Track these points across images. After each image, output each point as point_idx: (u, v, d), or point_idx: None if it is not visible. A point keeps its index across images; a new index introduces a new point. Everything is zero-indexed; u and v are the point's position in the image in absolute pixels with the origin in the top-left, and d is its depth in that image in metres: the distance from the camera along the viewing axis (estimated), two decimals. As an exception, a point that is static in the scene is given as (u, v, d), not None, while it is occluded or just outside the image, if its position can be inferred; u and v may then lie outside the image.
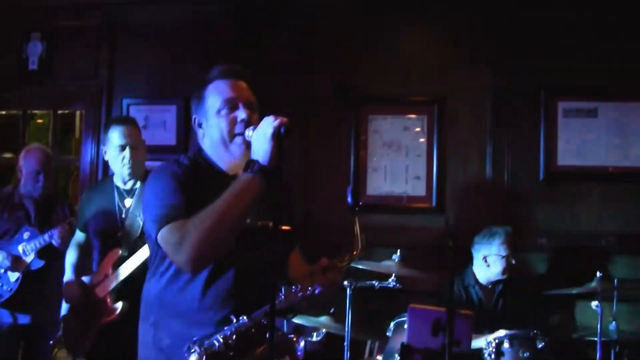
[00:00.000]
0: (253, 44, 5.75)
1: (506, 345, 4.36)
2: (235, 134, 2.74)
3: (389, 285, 4.51)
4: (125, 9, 6.02)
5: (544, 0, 5.54)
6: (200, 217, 2.51)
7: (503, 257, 4.90)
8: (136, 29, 6.00)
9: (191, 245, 2.51)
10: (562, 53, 5.48)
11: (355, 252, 2.79)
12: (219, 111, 2.76)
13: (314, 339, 4.78)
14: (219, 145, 2.77)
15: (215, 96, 2.78)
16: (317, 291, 2.69)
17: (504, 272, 4.92)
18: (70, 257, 4.51)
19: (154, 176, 2.79)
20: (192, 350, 2.58)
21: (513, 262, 4.91)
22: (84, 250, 4.51)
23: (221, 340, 2.58)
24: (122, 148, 4.28)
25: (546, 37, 5.52)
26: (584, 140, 5.46)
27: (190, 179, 2.70)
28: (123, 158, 4.27)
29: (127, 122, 4.44)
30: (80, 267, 4.47)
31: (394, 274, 4.48)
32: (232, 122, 2.74)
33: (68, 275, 4.46)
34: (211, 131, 2.79)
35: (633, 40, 5.41)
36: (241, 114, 2.74)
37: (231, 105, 2.76)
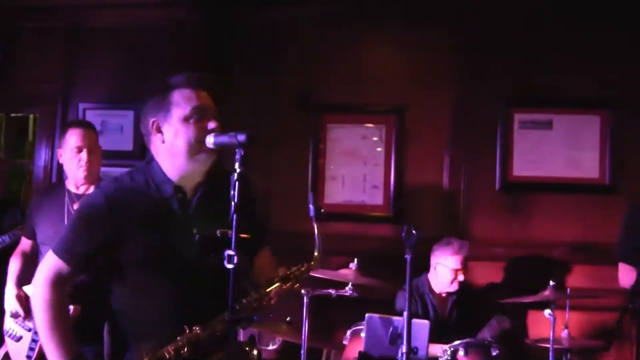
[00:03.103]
0: (217, 51, 5.75)
1: (461, 353, 4.40)
2: (204, 143, 2.70)
3: (346, 294, 4.51)
4: (88, 12, 5.95)
5: (502, 14, 5.60)
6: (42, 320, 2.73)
7: (451, 269, 4.93)
8: (98, 32, 5.94)
9: (35, 307, 2.77)
10: (518, 66, 5.55)
11: (312, 262, 2.80)
12: (187, 119, 2.73)
13: (270, 347, 4.77)
14: (182, 152, 2.74)
15: (183, 103, 2.74)
16: (272, 301, 2.70)
17: (451, 283, 4.95)
18: (13, 266, 4.42)
19: (84, 202, 2.88)
20: None
21: (461, 278, 4.93)
22: (29, 259, 4.44)
23: (172, 351, 2.57)
24: (79, 150, 4.23)
25: (504, 50, 5.58)
26: (539, 151, 5.53)
27: (112, 210, 2.72)
28: (79, 160, 4.23)
29: (86, 125, 4.41)
30: (23, 277, 4.40)
31: (351, 283, 4.49)
32: (202, 131, 2.71)
33: (9, 285, 4.37)
34: (175, 138, 2.75)
35: (587, 54, 5.50)
36: (211, 123, 2.72)
37: (201, 114, 2.73)
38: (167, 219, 2.75)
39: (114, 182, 2.80)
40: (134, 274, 2.72)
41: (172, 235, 2.72)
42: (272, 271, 2.86)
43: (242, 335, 3.88)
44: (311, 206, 2.83)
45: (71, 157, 4.25)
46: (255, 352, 2.85)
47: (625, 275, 4.52)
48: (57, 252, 2.76)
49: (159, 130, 2.78)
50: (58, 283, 2.75)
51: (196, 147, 2.72)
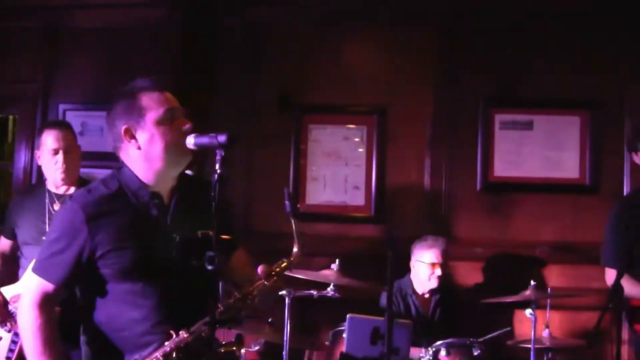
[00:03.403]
0: (197, 52, 5.73)
1: (443, 353, 4.41)
2: (183, 144, 2.69)
3: (327, 295, 4.51)
4: (68, 13, 5.89)
5: (483, 16, 5.62)
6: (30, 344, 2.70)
7: (427, 264, 4.94)
8: (78, 33, 5.88)
9: (24, 333, 2.74)
10: (499, 66, 5.58)
11: (292, 258, 2.79)
12: (161, 122, 2.72)
13: (253, 348, 4.77)
14: (159, 156, 2.73)
15: (154, 106, 2.73)
16: (256, 300, 2.69)
17: (429, 280, 4.96)
18: None
19: (60, 216, 2.84)
20: None
21: (438, 273, 4.94)
22: (8, 260, 4.41)
23: (161, 358, 2.57)
24: (56, 152, 4.21)
25: (485, 51, 5.61)
26: (520, 151, 5.56)
27: (90, 222, 2.69)
28: (56, 162, 4.21)
29: (62, 126, 4.37)
30: (2, 278, 4.37)
31: (332, 283, 4.49)
32: (179, 132, 2.71)
33: None
34: (151, 142, 2.74)
35: (567, 55, 5.53)
36: (185, 123, 2.72)
37: (174, 116, 2.74)
38: (147, 225, 2.74)
39: (89, 193, 2.76)
40: (117, 282, 2.71)
41: (153, 241, 2.72)
42: (250, 269, 2.85)
43: (229, 335, 3.90)
44: (287, 202, 2.83)
45: (48, 159, 4.23)
46: (242, 350, 2.86)
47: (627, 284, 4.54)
48: (39, 272, 2.74)
49: (133, 137, 2.76)
50: (45, 304, 2.72)
51: (174, 149, 2.71)
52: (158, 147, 2.72)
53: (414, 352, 4.47)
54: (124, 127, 2.76)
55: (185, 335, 2.59)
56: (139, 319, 2.69)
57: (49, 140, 4.22)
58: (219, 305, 2.63)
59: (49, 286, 2.72)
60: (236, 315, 2.66)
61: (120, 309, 2.71)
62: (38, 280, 2.73)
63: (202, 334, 2.59)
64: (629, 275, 4.38)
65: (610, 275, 4.47)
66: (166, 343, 2.59)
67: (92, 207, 2.71)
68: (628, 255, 4.47)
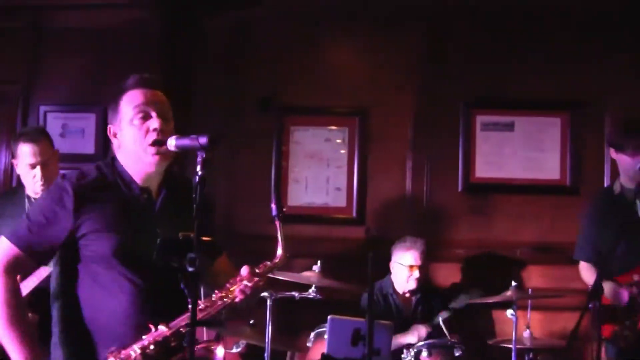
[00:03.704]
0: (178, 53, 5.72)
1: (424, 354, 4.43)
2: (147, 145, 2.72)
3: (309, 296, 4.51)
4: (49, 13, 5.85)
5: (464, 17, 5.64)
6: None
7: (406, 266, 4.96)
8: (60, 33, 5.84)
9: None
10: (480, 68, 5.60)
11: (276, 260, 2.80)
12: (131, 120, 2.74)
13: (234, 350, 4.76)
14: (132, 155, 2.77)
15: (128, 105, 2.76)
16: (237, 299, 2.69)
17: (407, 281, 4.97)
18: None
19: (49, 189, 2.85)
20: None
21: (416, 275, 4.95)
22: None
23: (138, 350, 2.56)
24: (33, 167, 4.18)
25: (466, 53, 5.63)
26: (501, 152, 5.58)
27: (78, 201, 2.70)
28: (34, 176, 4.18)
29: (37, 139, 4.26)
30: None
31: (314, 285, 4.49)
32: (145, 132, 2.73)
33: None
34: (125, 141, 2.77)
35: (548, 57, 5.56)
36: (153, 123, 2.73)
37: (144, 114, 2.74)
38: (134, 216, 2.76)
39: (81, 175, 2.79)
40: (98, 268, 2.71)
41: (138, 233, 2.73)
42: (232, 272, 2.85)
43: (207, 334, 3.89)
44: (273, 205, 2.83)
45: (26, 171, 4.20)
46: (221, 349, 2.85)
47: (588, 275, 4.60)
48: (12, 238, 2.74)
49: (115, 136, 2.82)
50: (13, 270, 2.73)
51: (142, 149, 2.73)
52: (129, 146, 2.76)
53: (402, 339, 4.53)
54: (109, 126, 2.83)
55: (164, 330, 2.59)
56: (117, 309, 2.68)
57: (25, 155, 4.17)
58: (200, 304, 2.62)
59: (20, 253, 2.71)
60: (217, 316, 2.66)
61: (98, 298, 2.70)
62: (8, 245, 2.72)
63: (181, 330, 2.59)
64: (594, 266, 4.56)
65: (583, 267, 4.63)
66: (144, 337, 2.58)
67: (82, 188, 2.74)
68: (600, 250, 4.58)
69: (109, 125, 2.83)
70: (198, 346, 2.63)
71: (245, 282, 2.71)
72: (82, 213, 2.69)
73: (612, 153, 4.61)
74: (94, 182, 2.77)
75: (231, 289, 2.70)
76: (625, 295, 4.31)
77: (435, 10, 5.64)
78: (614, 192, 4.60)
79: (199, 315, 2.59)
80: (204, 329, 2.77)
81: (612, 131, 4.86)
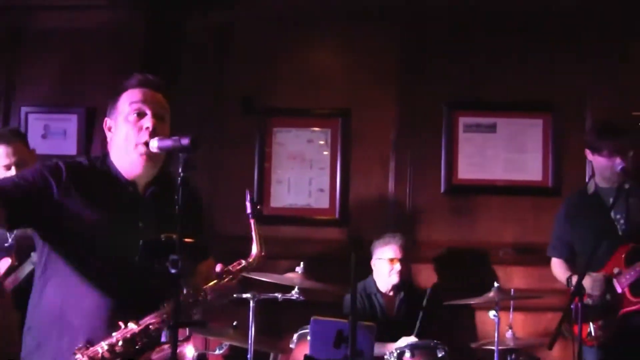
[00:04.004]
0: (162, 54, 5.70)
1: (407, 355, 4.43)
2: (138, 142, 2.73)
3: (292, 298, 4.51)
4: (32, 14, 5.82)
5: (446, 18, 5.66)
6: None
7: (386, 259, 4.97)
8: (41, 34, 5.79)
9: None
10: (462, 69, 5.62)
11: (251, 259, 2.80)
12: (126, 117, 2.77)
13: (217, 352, 4.75)
14: (123, 151, 2.78)
15: (126, 102, 2.79)
16: (209, 297, 2.69)
17: (389, 275, 4.98)
18: None
19: (43, 164, 2.82)
20: (77, 357, 2.54)
21: (398, 267, 4.96)
22: None
23: (106, 346, 2.54)
24: (7, 168, 4.17)
25: (447, 54, 5.65)
26: (484, 154, 5.60)
27: (70, 177, 2.71)
28: None
29: (10, 140, 4.24)
30: None
31: (297, 286, 4.49)
32: (137, 130, 2.74)
33: None
34: (118, 136, 2.79)
35: (530, 57, 5.59)
36: (147, 122, 2.74)
37: (139, 112, 2.76)
38: (120, 206, 2.76)
39: (72, 159, 2.84)
40: (75, 256, 2.69)
41: (121, 223, 2.73)
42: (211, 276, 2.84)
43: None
44: (248, 203, 2.84)
45: (2, 172, 4.18)
46: (191, 350, 2.84)
47: (559, 271, 4.66)
48: None
49: (110, 130, 2.85)
50: None
51: (132, 146, 2.74)
52: (121, 141, 2.77)
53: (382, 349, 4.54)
54: (105, 119, 2.87)
55: (134, 328, 2.57)
56: (90, 303, 2.66)
57: (0, 155, 4.17)
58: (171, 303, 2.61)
59: None
60: (189, 315, 2.66)
61: (71, 290, 2.69)
62: None
63: (151, 328, 2.59)
64: (565, 263, 4.72)
65: (555, 263, 4.78)
66: (114, 334, 2.57)
67: (74, 168, 2.77)
68: (572, 248, 4.70)
69: (106, 118, 2.86)
70: (166, 346, 2.62)
71: (216, 281, 2.71)
72: (71, 190, 2.69)
73: (589, 155, 4.66)
74: (85, 167, 2.81)
75: (203, 287, 2.71)
76: (622, 283, 4.37)
77: (417, 12, 5.65)
78: (588, 191, 4.66)
79: (167, 316, 2.59)
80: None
81: (588, 133, 4.90)
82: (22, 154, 4.24)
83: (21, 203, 2.62)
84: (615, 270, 4.38)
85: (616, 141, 4.47)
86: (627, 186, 4.43)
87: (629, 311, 4.38)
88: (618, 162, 4.44)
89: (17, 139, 4.29)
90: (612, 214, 4.48)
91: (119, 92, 2.84)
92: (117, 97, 2.83)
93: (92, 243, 2.68)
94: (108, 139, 2.86)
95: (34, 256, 3.95)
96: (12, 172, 4.14)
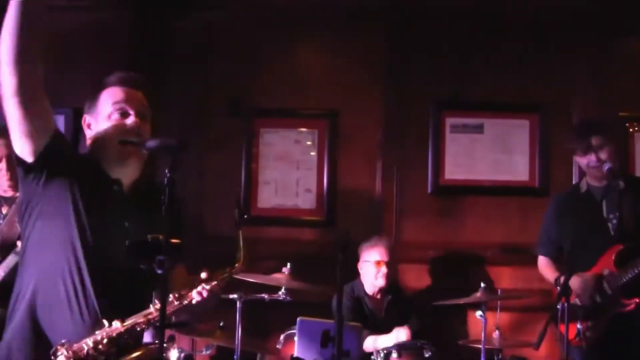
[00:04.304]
0: (146, 55, 5.68)
1: (394, 355, 4.43)
2: (120, 141, 2.71)
3: (279, 298, 4.51)
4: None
5: (434, 19, 5.67)
6: None
7: (373, 262, 4.97)
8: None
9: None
10: (449, 70, 5.63)
11: (237, 265, 2.80)
12: (109, 116, 2.76)
13: (204, 352, 4.74)
14: (105, 149, 2.76)
15: (107, 100, 2.78)
16: (194, 302, 2.68)
17: (376, 278, 4.98)
18: None
19: None
20: (60, 354, 2.52)
21: (384, 270, 4.96)
22: None
23: (91, 344, 2.53)
24: None
25: (435, 55, 5.66)
26: (471, 154, 5.61)
27: (72, 147, 2.81)
28: (0, 170, 4.15)
29: (2, 134, 4.27)
30: None
31: (284, 287, 4.49)
32: (120, 129, 2.72)
33: None
34: (101, 135, 2.77)
35: (516, 58, 5.61)
36: (130, 121, 2.73)
37: (122, 111, 2.76)
38: (105, 198, 2.74)
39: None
40: (57, 244, 2.66)
41: (107, 221, 2.71)
42: (188, 282, 2.81)
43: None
44: (235, 211, 2.85)
45: None
46: (175, 353, 2.83)
47: (546, 270, 4.67)
48: None
49: (89, 127, 2.83)
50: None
51: (114, 145, 2.72)
52: (104, 140, 2.76)
53: (381, 341, 4.61)
54: (84, 117, 2.85)
55: (118, 327, 2.56)
56: (73, 302, 2.63)
57: None
58: (156, 304, 2.61)
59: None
60: (172, 317, 2.66)
61: (53, 285, 2.65)
62: None
63: (136, 328, 2.58)
64: (553, 261, 4.70)
65: (542, 262, 4.77)
66: (97, 332, 2.55)
67: (71, 153, 2.80)
68: (561, 247, 4.68)
69: (85, 115, 2.84)
70: (152, 347, 2.61)
71: (202, 285, 2.71)
72: (61, 166, 2.66)
73: (576, 159, 4.69)
74: (83, 158, 2.82)
75: (187, 291, 2.70)
76: (612, 285, 4.38)
77: (403, 13, 5.66)
78: (580, 190, 4.66)
79: (152, 317, 2.59)
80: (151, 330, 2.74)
81: (569, 136, 4.92)
82: (8, 148, 4.22)
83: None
84: (605, 272, 4.38)
85: (588, 140, 4.48)
86: (621, 186, 4.42)
87: (619, 312, 4.37)
88: (593, 162, 4.45)
89: (4, 135, 4.27)
90: (605, 212, 4.48)
91: (98, 89, 2.83)
92: (97, 94, 2.82)
93: (78, 236, 2.65)
94: (87, 136, 2.84)
95: (19, 245, 3.94)
96: (3, 164, 4.13)
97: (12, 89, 2.50)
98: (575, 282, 4.24)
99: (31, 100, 2.55)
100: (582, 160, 4.54)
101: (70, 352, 2.52)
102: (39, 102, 2.59)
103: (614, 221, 4.46)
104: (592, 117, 5.20)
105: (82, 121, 2.86)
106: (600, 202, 4.51)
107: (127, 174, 2.80)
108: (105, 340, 2.54)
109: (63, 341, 2.55)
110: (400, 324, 4.92)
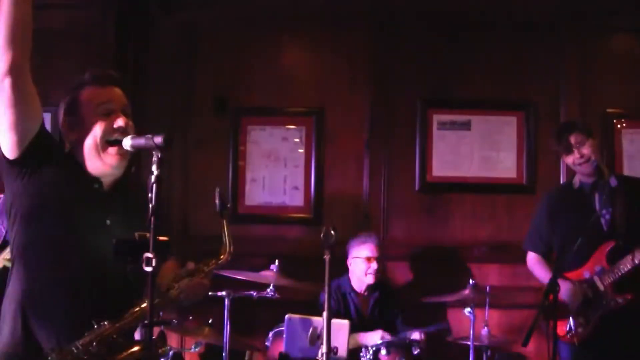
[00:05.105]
0: (131, 53, 5.66)
1: (383, 352, 4.43)
2: (109, 142, 2.68)
3: (267, 295, 4.51)
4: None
5: (420, 17, 5.67)
6: None
7: (363, 258, 4.97)
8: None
9: None
10: (436, 67, 5.64)
11: (222, 256, 2.79)
12: (93, 116, 2.70)
13: (193, 350, 4.73)
14: (91, 150, 2.70)
15: (91, 101, 2.72)
16: (181, 295, 2.67)
17: (366, 275, 4.97)
18: None
19: None
20: (50, 357, 2.50)
21: (374, 266, 4.95)
22: None
23: (80, 346, 2.51)
24: None
25: (421, 52, 5.66)
26: (458, 151, 5.61)
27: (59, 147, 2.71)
28: None
29: None
30: None
31: (272, 284, 4.49)
32: (108, 129, 2.69)
33: None
34: (85, 136, 2.71)
35: (504, 56, 5.62)
36: (119, 121, 2.70)
37: (108, 111, 2.71)
38: (86, 196, 2.71)
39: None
40: (43, 241, 2.64)
41: (88, 219, 2.68)
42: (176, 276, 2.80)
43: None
44: (217, 202, 2.82)
45: None
46: (167, 349, 2.81)
47: (535, 266, 4.68)
48: None
49: (71, 129, 2.76)
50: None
51: (103, 146, 2.68)
52: (90, 141, 2.70)
53: (365, 339, 4.58)
54: (63, 119, 2.78)
55: (107, 327, 2.54)
56: (61, 301, 2.62)
57: None
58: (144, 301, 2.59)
59: None
60: (167, 319, 2.64)
61: (43, 285, 2.63)
62: None
63: (125, 327, 2.56)
64: (542, 258, 4.72)
65: (531, 258, 4.77)
66: (86, 333, 2.53)
67: (57, 150, 2.73)
68: (550, 243, 4.69)
69: (64, 118, 2.78)
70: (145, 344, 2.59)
71: (188, 279, 2.70)
72: (44, 163, 2.64)
73: (563, 158, 4.71)
74: (61, 152, 2.77)
75: (172, 284, 2.68)
76: (604, 281, 4.39)
77: (390, 11, 5.66)
78: (573, 186, 4.66)
79: (141, 314, 2.57)
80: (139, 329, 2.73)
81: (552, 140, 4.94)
82: None
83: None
84: (597, 268, 4.39)
85: (567, 139, 4.50)
86: (614, 182, 4.43)
87: (611, 309, 4.38)
88: (577, 159, 4.47)
89: None
90: (598, 208, 4.49)
91: (77, 89, 2.77)
92: (76, 93, 2.76)
93: (64, 235, 2.64)
94: (67, 138, 2.78)
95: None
96: None
97: (6, 66, 2.49)
98: (563, 288, 4.24)
99: (23, 83, 2.54)
100: (568, 160, 4.56)
101: (60, 355, 2.51)
102: (29, 87, 2.58)
103: (607, 217, 4.47)
104: (584, 114, 5.22)
105: (61, 124, 2.79)
106: (592, 198, 4.52)
107: (110, 173, 2.76)
108: (94, 342, 2.52)
109: (53, 345, 2.53)
110: (385, 322, 4.93)
